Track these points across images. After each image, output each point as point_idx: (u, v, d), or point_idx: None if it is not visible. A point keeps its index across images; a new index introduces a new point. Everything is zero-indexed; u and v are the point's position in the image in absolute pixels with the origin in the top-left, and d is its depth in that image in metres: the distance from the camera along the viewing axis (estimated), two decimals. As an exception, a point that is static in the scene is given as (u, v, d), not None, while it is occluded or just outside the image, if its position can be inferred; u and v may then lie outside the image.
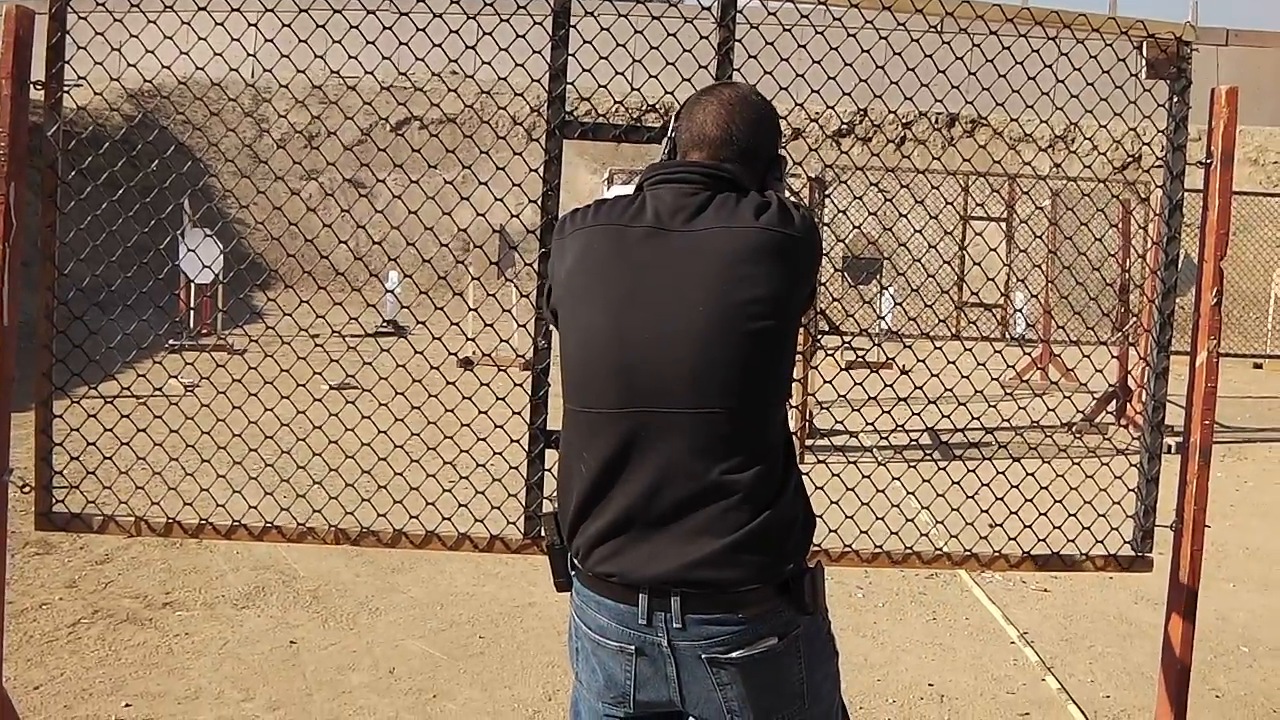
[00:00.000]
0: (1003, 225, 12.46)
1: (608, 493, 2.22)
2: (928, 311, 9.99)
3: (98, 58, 3.27)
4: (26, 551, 6.07)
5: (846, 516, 3.37)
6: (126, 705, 4.45)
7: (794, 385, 2.39)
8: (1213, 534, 3.86)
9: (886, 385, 3.61)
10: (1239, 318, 16.52)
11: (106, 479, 3.63)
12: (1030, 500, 3.49)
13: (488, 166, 3.60)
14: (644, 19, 3.41)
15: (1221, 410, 4.10)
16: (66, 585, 5.73)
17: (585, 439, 2.26)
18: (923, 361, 3.63)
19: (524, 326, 3.61)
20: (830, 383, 3.81)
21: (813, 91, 3.40)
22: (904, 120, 21.56)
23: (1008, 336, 12.36)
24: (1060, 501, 3.51)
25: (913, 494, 3.58)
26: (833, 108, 3.62)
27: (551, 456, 3.10)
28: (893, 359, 11.53)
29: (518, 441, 3.37)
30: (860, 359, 12.69)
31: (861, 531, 3.41)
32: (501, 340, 3.85)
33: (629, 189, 2.42)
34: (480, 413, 3.49)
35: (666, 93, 3.43)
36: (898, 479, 3.63)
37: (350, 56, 3.48)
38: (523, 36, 3.46)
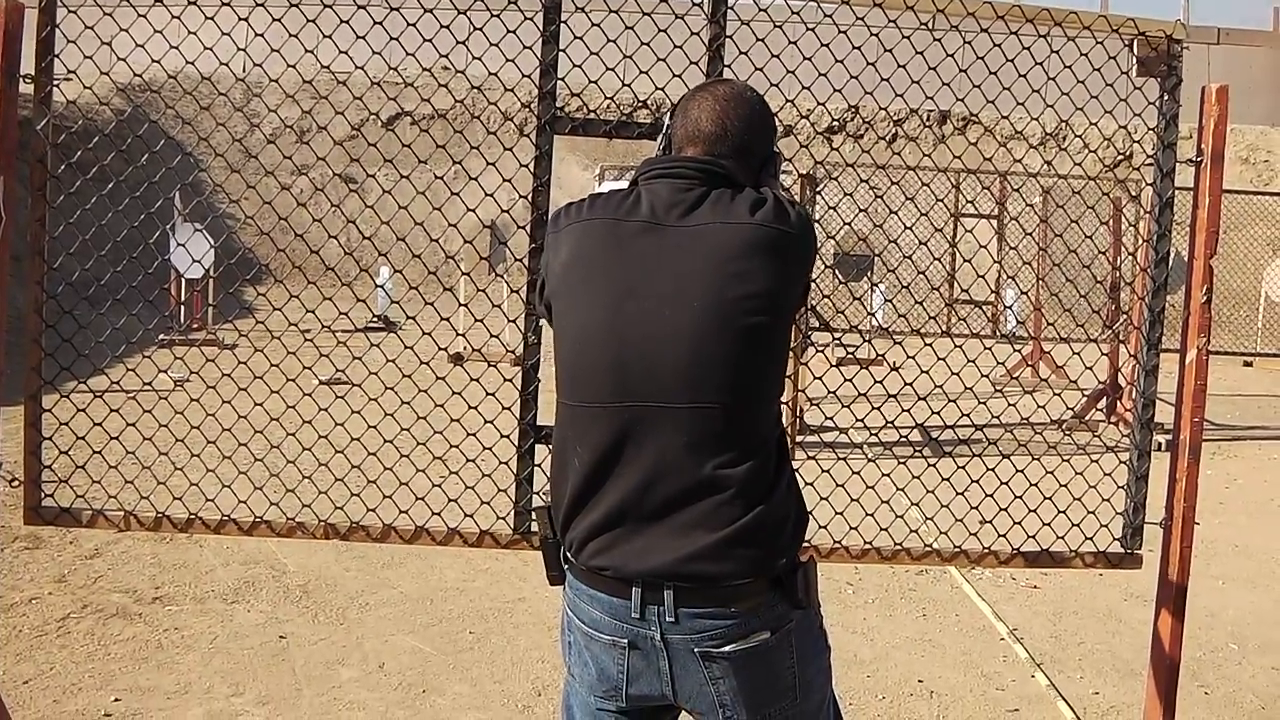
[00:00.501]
0: (993, 222, 12.48)
1: (601, 487, 2.23)
2: (918, 308, 10.00)
3: (88, 51, 3.26)
4: (16, 546, 6.06)
5: (836, 512, 3.37)
6: (115, 699, 4.44)
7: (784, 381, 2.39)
8: (1202, 531, 3.86)
9: (877, 382, 3.61)
10: (1229, 315, 16.56)
11: (96, 473, 3.62)
12: (1020, 497, 3.50)
13: (478, 162, 3.59)
14: (635, 15, 3.41)
15: (1211, 408, 4.11)
16: (56, 580, 5.72)
17: (579, 433, 2.26)
18: (913, 358, 3.64)
19: (514, 322, 3.61)
20: (820, 379, 3.82)
21: (804, 88, 3.40)
22: (895, 117, 21.56)
23: (998, 333, 12.39)
24: (1050, 498, 3.52)
25: (902, 490, 3.58)
26: (824, 104, 3.63)
27: (541, 452, 3.11)
28: (883, 355, 11.52)
29: (508, 437, 3.37)
30: (850, 355, 12.69)
31: (851, 528, 3.42)
32: (492, 335, 3.86)
33: (621, 185, 2.42)
34: (470, 408, 3.49)
35: (657, 89, 3.42)
36: (887, 475, 3.62)
37: (341, 51, 3.48)
38: (514, 32, 3.46)
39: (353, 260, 4.24)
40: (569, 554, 2.31)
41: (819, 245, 2.39)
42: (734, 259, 2.19)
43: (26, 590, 5.54)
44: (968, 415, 3.64)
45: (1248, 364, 15.99)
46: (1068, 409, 7.33)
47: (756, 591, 2.20)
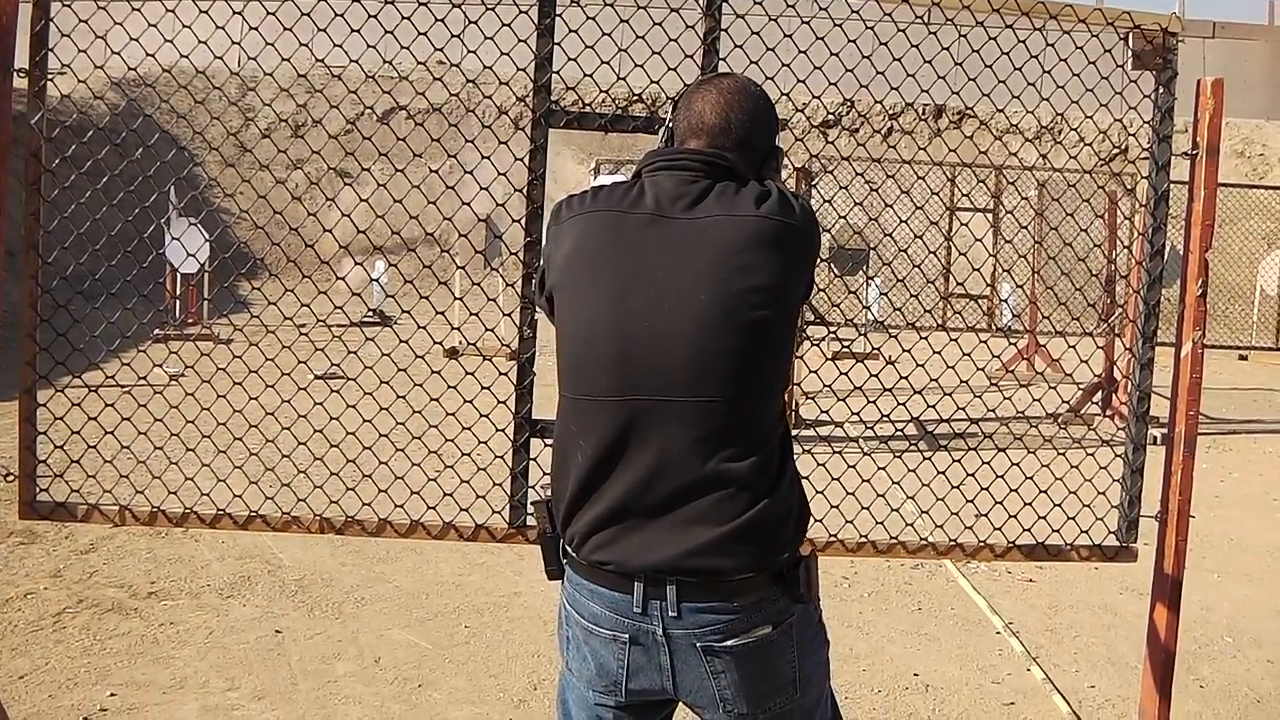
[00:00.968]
0: (989, 216, 12.48)
1: (604, 481, 2.22)
2: (913, 302, 10.00)
3: (82, 45, 3.26)
4: (11, 541, 6.06)
5: (832, 506, 3.37)
6: (111, 694, 4.44)
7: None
8: (1197, 525, 3.87)
9: (872, 375, 3.62)
10: (1224, 309, 16.58)
11: (91, 468, 3.61)
12: (1015, 490, 3.50)
13: (474, 156, 3.59)
14: (630, 8, 3.40)
15: (1206, 401, 4.11)
16: (51, 574, 5.72)
17: (582, 426, 2.25)
18: (908, 352, 3.64)
19: (509, 315, 3.61)
20: (816, 373, 3.81)
21: (799, 81, 3.39)
22: (891, 111, 21.56)
23: (993, 327, 12.38)
24: (1045, 492, 3.52)
25: (898, 484, 3.58)
26: (819, 98, 3.62)
27: (537, 446, 3.11)
28: (879, 349, 11.53)
29: (503, 430, 3.36)
30: (846, 349, 12.69)
31: (847, 521, 3.42)
32: (487, 329, 3.85)
33: (617, 178, 2.42)
34: (466, 402, 3.48)
35: (653, 82, 3.42)
36: (883, 469, 3.62)
37: (336, 45, 3.47)
38: (508, 25, 3.46)
39: (348, 254, 4.23)
40: (569, 548, 2.30)
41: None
42: (739, 252, 2.18)
43: (22, 585, 5.54)
44: (963, 409, 3.64)
45: (1243, 358, 16.01)
46: (1063, 403, 7.33)
47: (759, 586, 2.20)
